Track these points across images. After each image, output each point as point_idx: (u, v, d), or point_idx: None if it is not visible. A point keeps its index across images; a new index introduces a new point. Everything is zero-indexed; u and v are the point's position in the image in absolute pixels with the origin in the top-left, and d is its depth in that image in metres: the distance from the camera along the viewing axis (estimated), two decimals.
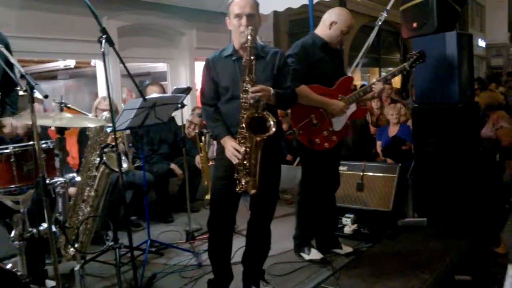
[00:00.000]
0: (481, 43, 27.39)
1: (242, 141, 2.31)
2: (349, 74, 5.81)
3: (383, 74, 15.02)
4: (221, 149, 2.44)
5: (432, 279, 2.78)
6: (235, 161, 2.32)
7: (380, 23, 4.56)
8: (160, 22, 6.09)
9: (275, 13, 7.19)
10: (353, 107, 3.12)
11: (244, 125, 2.30)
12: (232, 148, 2.31)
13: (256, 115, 2.30)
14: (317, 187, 3.10)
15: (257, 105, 2.29)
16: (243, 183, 2.31)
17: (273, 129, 2.28)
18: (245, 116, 2.29)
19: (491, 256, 4.19)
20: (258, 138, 2.28)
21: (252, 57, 2.30)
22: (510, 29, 32.11)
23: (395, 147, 4.67)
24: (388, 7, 4.51)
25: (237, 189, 2.34)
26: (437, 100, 3.84)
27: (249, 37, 2.30)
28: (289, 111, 3.19)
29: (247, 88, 2.28)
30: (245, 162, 2.30)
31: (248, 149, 2.29)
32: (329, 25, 3.02)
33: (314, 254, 3.08)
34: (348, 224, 3.53)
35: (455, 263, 3.34)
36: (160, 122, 3.23)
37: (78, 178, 2.81)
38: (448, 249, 3.25)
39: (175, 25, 6.28)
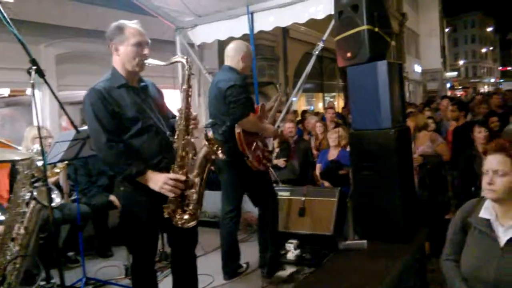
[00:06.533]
0: (417, 68, 29.10)
1: (178, 171, 2.24)
2: (295, 99, 6.00)
3: (327, 99, 15.55)
4: (136, 188, 2.25)
5: None
6: (175, 193, 2.20)
7: (317, 52, 4.75)
8: (101, 49, 5.95)
9: (220, 41, 7.29)
10: None
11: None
12: (171, 180, 2.18)
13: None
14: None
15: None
16: (184, 216, 2.25)
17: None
18: (183, 142, 2.26)
19: (428, 271, 4.36)
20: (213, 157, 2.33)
21: (190, 87, 2.34)
22: (442, 55, 34.48)
23: (333, 171, 4.80)
24: (324, 37, 4.71)
25: (176, 222, 2.24)
26: (372, 125, 3.99)
27: (186, 65, 2.34)
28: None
29: (189, 116, 2.30)
30: (187, 192, 2.25)
31: (197, 178, 2.27)
32: (241, 58, 3.33)
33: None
34: (291, 250, 3.56)
35: (396, 282, 3.44)
36: (95, 154, 3.14)
37: (1, 217, 2.64)
38: (388, 269, 3.33)
39: None
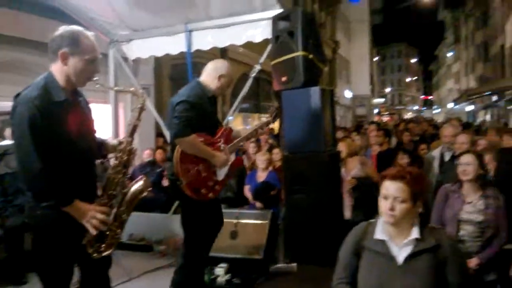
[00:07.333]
0: (348, 94, 30.53)
1: (106, 203, 2.16)
2: (231, 118, 5.99)
3: (263, 119, 15.77)
4: (54, 212, 2.05)
5: None
6: (102, 228, 2.10)
7: (253, 75, 4.80)
8: (27, 58, 5.64)
9: (156, 57, 7.16)
10: (233, 156, 3.24)
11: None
12: (99, 214, 2.08)
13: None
14: (206, 243, 3.06)
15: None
16: (101, 246, 2.14)
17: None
18: (118, 176, 2.20)
19: None
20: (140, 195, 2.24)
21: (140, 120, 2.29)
22: (371, 82, 36.61)
23: (265, 191, 4.85)
24: (261, 61, 4.77)
25: (91, 252, 2.13)
26: (304, 149, 4.08)
27: (141, 99, 2.31)
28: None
29: (132, 150, 2.26)
30: (110, 225, 2.16)
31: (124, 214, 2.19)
32: (218, 77, 3.15)
33: None
34: (220, 275, 3.49)
35: None
36: (12, 172, 2.90)
37: None
38: None
39: (44, 62, 5.85)
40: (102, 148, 2.38)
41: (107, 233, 2.17)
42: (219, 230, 3.24)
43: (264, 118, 3.76)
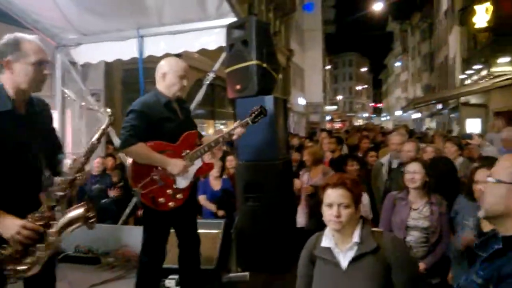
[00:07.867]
0: (301, 101, 31.04)
1: (38, 220, 2.00)
2: None
3: (217, 125, 15.70)
4: None
5: None
6: (24, 242, 1.94)
7: (207, 82, 4.76)
8: None
9: (107, 62, 6.94)
10: (198, 163, 3.05)
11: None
12: (26, 230, 1.93)
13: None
14: (161, 252, 2.98)
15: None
16: (18, 267, 1.96)
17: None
18: (59, 194, 2.07)
19: None
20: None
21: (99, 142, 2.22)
22: (324, 90, 37.45)
23: (227, 199, 4.84)
24: (215, 68, 4.75)
25: (8, 273, 1.96)
26: (258, 157, 4.10)
27: (107, 121, 2.25)
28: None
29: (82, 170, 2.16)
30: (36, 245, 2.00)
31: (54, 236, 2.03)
32: (162, 76, 3.00)
33: None
34: (171, 286, 3.40)
35: None
36: None
37: None
38: None
39: None
40: (56, 164, 2.26)
41: (32, 252, 2.00)
42: (195, 242, 3.17)
43: (223, 127, 3.67)
